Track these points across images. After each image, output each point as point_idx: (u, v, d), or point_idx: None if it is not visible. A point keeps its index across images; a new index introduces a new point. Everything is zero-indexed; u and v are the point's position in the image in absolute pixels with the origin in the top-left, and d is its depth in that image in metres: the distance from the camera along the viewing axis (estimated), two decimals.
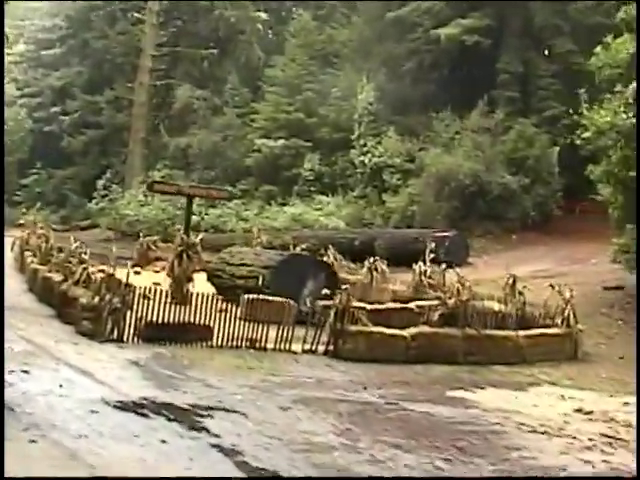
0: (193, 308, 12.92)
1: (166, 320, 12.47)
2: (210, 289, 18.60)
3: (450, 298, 14.28)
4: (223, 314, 13.08)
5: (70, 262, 14.52)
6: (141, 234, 36.18)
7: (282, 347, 12.93)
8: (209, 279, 19.07)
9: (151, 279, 20.40)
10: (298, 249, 25.06)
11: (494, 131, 33.11)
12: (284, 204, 37.37)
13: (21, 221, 27.43)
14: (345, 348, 13.07)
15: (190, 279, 16.97)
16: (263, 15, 44.94)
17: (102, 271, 14.42)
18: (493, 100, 34.35)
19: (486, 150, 32.15)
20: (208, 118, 42.79)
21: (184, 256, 16.42)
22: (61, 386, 8.73)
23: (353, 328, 13.17)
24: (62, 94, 53.09)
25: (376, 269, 21.17)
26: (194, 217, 37.62)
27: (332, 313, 13.14)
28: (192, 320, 12.80)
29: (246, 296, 15.83)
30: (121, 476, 6.21)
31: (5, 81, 55.64)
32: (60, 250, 17.36)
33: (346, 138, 37.49)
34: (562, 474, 7.53)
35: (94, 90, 49.56)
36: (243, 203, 38.15)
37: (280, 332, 12.94)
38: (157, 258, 25.29)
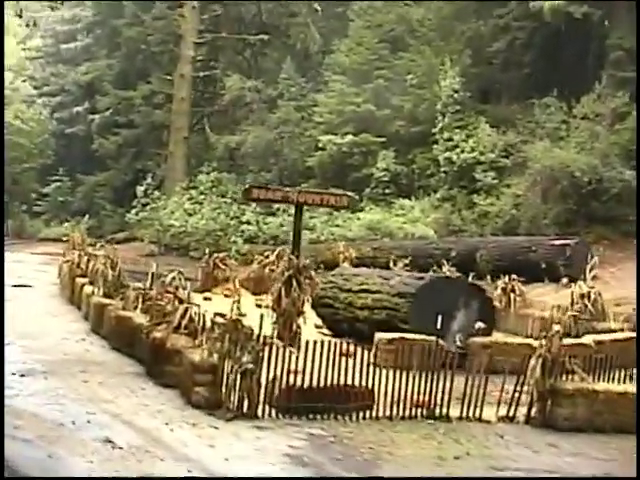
0: (311, 353, 9.78)
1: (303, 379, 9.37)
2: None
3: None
4: (356, 360, 10.02)
5: (160, 297, 11.40)
6: (202, 250, 33.90)
7: (471, 414, 9.77)
8: (314, 308, 15.99)
9: (225, 306, 17.40)
10: (400, 265, 21.98)
11: (609, 119, 29.72)
12: (354, 210, 34.19)
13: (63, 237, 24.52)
14: (559, 414, 9.86)
15: (300, 313, 13.76)
16: None
17: (177, 298, 11.48)
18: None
19: (602, 141, 28.75)
20: (262, 112, 39.67)
21: (294, 283, 13.22)
22: None
23: (570, 386, 9.97)
24: (89, 91, 50.65)
25: (513, 290, 18.02)
26: (249, 227, 35.04)
27: (537, 365, 9.92)
28: (343, 380, 9.61)
29: (381, 335, 12.81)
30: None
31: (21, 79, 53.42)
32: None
33: (425, 132, 34.60)
34: None
35: (127, 85, 47.02)
36: (307, 210, 34.99)
37: (466, 389, 9.80)
38: (226, 279, 22.14)
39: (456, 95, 33.04)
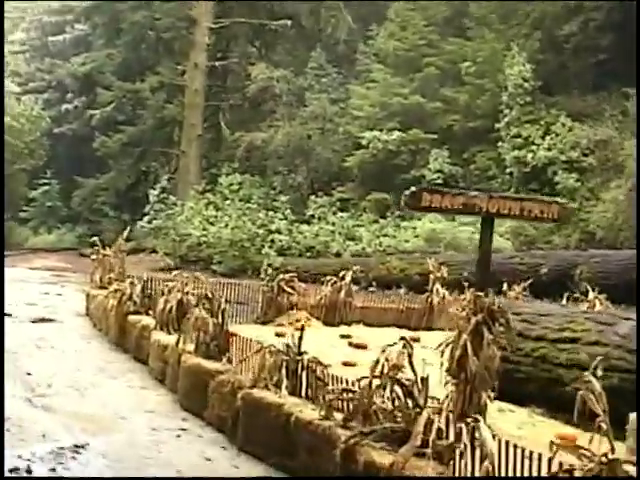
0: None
1: None
2: None
3: None
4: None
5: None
6: (226, 263, 30.26)
7: None
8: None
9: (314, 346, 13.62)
10: (517, 289, 18.09)
11: None
12: (403, 217, 30.62)
13: (91, 250, 20.01)
14: None
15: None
16: None
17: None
18: None
19: None
20: (292, 106, 35.97)
21: (485, 334, 8.90)
22: None
23: None
24: (87, 84, 47.08)
25: None
26: (280, 236, 31.28)
27: None
28: None
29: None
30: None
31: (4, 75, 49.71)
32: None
33: (486, 127, 31.24)
34: None
35: (130, 76, 43.17)
36: (350, 216, 31.58)
37: None
38: (293, 306, 18.10)
39: (526, 85, 29.53)
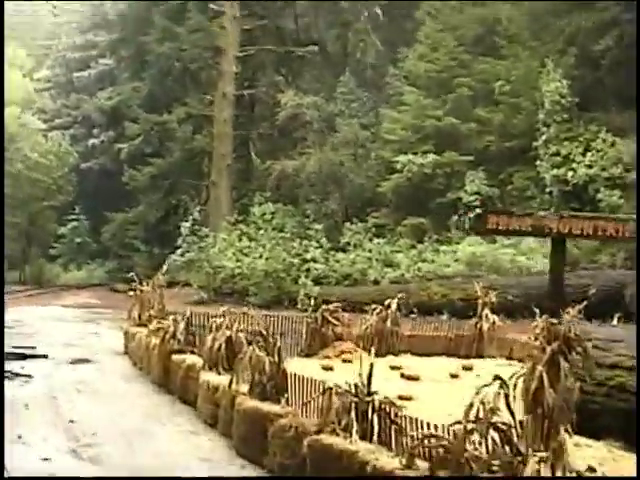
0: None
1: None
2: None
3: None
4: None
5: None
6: (262, 295, 29.73)
7: None
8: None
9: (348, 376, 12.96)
10: (572, 312, 17.35)
11: None
12: (442, 241, 30.00)
13: (130, 288, 19.32)
14: None
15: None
16: None
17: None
18: None
19: None
20: (323, 132, 35.50)
21: (561, 364, 8.13)
22: None
23: None
24: (113, 118, 46.99)
25: None
26: (316, 265, 30.73)
27: None
28: None
29: None
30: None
31: (30, 113, 49.82)
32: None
33: (522, 146, 30.66)
34: None
35: (157, 109, 42.93)
36: (386, 241, 31.03)
37: None
38: (338, 337, 17.51)
39: (563, 101, 28.92)
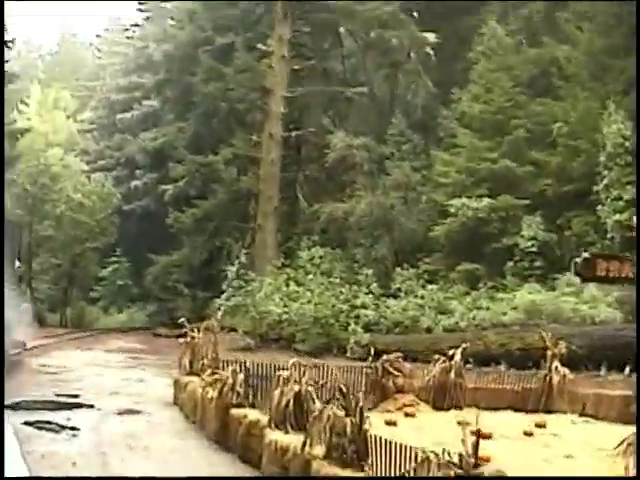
0: None
1: None
2: None
3: None
4: None
5: None
6: (310, 342, 28.91)
7: None
8: None
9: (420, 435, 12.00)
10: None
11: None
12: (497, 288, 29.06)
13: (182, 332, 18.36)
14: None
15: None
16: (431, 36, 36.75)
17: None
18: None
19: None
20: (374, 175, 34.78)
21: None
22: None
23: None
24: (157, 159, 46.83)
25: None
26: (367, 312, 29.87)
27: None
28: None
29: None
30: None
31: (72, 154, 49.78)
32: None
33: (581, 190, 29.75)
34: None
35: (202, 150, 42.51)
36: (439, 288, 30.09)
37: None
38: (399, 389, 16.65)
39: (627, 143, 27.94)
